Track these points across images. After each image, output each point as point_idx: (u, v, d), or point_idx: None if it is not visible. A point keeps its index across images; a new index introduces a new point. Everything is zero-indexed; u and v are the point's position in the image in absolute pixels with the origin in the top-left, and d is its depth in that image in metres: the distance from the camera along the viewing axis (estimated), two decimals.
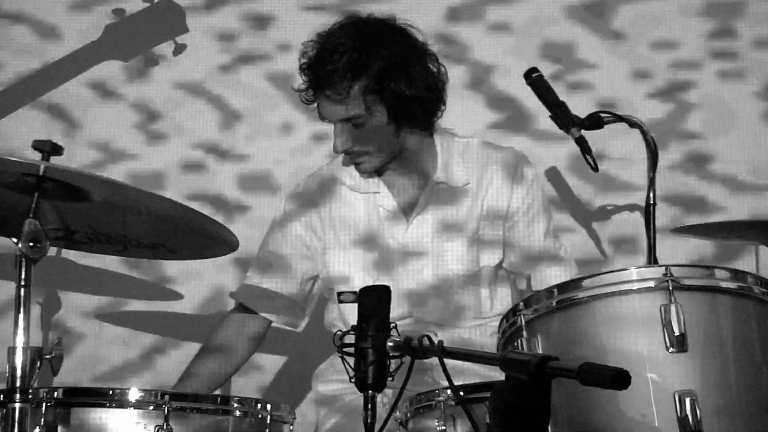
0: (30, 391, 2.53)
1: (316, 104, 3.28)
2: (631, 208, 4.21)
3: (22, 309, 2.54)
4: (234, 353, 3.42)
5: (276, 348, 4.11)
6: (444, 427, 2.70)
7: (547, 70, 3.40)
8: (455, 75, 3.67)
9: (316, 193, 3.44)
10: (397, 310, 2.93)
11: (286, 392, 4.13)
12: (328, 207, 3.41)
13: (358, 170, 3.36)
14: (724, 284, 2.58)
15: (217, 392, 3.45)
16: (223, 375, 3.40)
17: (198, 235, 2.81)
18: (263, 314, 3.44)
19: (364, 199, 3.39)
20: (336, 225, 3.40)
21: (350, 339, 2.43)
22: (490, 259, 3.36)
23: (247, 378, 4.11)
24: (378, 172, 3.37)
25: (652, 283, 2.54)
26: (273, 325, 3.47)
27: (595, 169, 3.16)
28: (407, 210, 3.38)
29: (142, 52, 4.29)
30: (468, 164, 3.39)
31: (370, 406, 2.43)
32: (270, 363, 4.19)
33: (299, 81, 3.28)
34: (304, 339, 3.73)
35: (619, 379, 2.01)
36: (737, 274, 2.60)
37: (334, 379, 3.36)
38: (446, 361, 2.35)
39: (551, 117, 3.20)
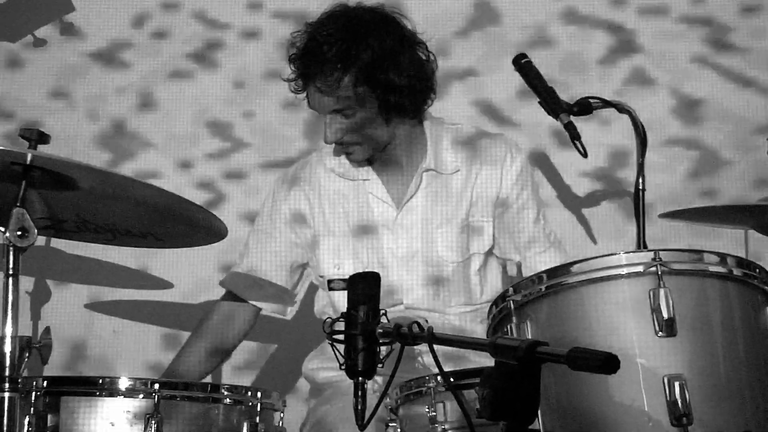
0: (19, 380, 2.53)
1: (305, 93, 3.28)
2: (620, 194, 4.22)
3: (10, 298, 2.54)
4: (223, 341, 3.42)
5: (266, 336, 4.11)
6: (434, 413, 2.70)
7: None
8: None
9: (306, 181, 3.44)
10: (387, 297, 2.92)
11: (276, 380, 4.13)
12: (317, 194, 3.41)
13: (349, 160, 3.36)
14: (712, 268, 2.58)
15: (207, 380, 3.45)
16: (212, 363, 3.41)
17: (186, 224, 2.80)
18: (252, 302, 3.44)
19: (354, 187, 3.39)
20: (326, 212, 3.39)
21: (340, 326, 2.43)
22: (480, 245, 3.36)
23: (238, 366, 4.11)
24: (368, 161, 3.37)
25: (641, 268, 2.54)
26: (262, 313, 3.47)
27: (584, 154, 3.15)
28: (397, 197, 3.37)
29: (29, 32, 4.25)
30: (458, 151, 3.39)
31: (360, 393, 2.43)
32: (260, 351, 4.19)
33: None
34: (294, 327, 3.73)
35: (608, 363, 2.01)
36: (726, 259, 2.60)
37: (325, 367, 3.36)
38: (437, 347, 2.35)
39: (540, 103, 3.19)
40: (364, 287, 2.44)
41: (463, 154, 3.38)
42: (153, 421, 2.64)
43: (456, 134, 3.41)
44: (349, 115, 3.24)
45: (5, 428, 2.51)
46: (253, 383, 4.15)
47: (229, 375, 4.06)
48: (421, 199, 3.36)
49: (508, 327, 2.61)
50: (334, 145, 3.34)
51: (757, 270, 2.63)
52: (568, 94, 3.16)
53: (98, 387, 2.70)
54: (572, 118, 3.13)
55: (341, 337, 2.42)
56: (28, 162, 2.55)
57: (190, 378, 3.28)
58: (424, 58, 3.29)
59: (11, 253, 2.55)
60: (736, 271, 2.60)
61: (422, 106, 3.33)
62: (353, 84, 3.19)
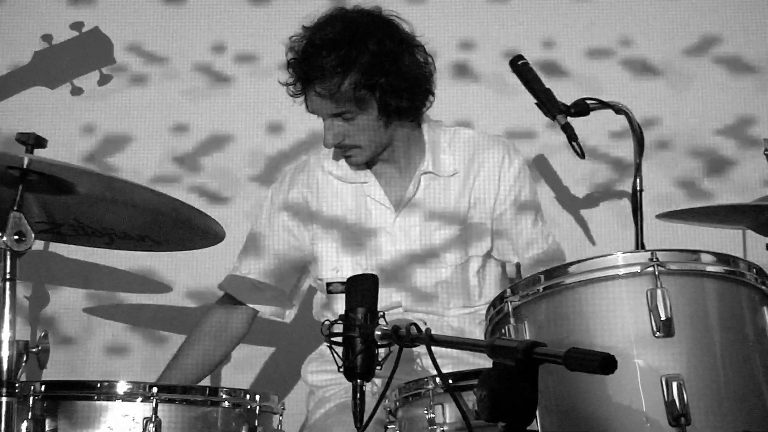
0: (17, 384, 2.53)
1: (303, 97, 3.28)
2: (618, 194, 4.22)
3: (7, 302, 2.54)
4: (220, 344, 3.42)
5: (265, 339, 4.11)
6: (433, 415, 2.70)
7: None
8: None
9: (304, 183, 3.44)
10: (385, 299, 2.93)
11: (275, 383, 4.13)
12: (315, 197, 3.41)
13: (348, 163, 3.36)
14: (710, 268, 2.59)
15: (206, 383, 3.45)
16: (208, 365, 3.41)
17: (184, 227, 2.80)
18: (251, 305, 3.44)
19: (353, 189, 3.39)
20: (324, 215, 3.39)
21: (338, 328, 2.43)
22: (478, 248, 3.36)
23: (236, 369, 4.11)
24: (367, 164, 3.37)
25: (638, 268, 2.55)
26: (262, 316, 3.47)
27: (582, 155, 3.15)
28: (396, 200, 3.38)
29: (68, 80, 4.27)
30: (456, 154, 3.39)
31: (358, 395, 2.43)
32: (259, 354, 4.19)
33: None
34: (293, 329, 3.73)
35: (606, 363, 2.01)
36: (723, 258, 2.60)
37: (323, 369, 3.36)
38: (436, 349, 2.35)
39: (537, 104, 3.20)
40: (363, 289, 2.45)
41: (462, 157, 3.39)
42: (151, 425, 2.63)
43: (454, 137, 3.41)
44: (349, 118, 3.24)
45: None
46: (251, 386, 4.15)
47: (227, 378, 4.06)
48: (419, 201, 3.36)
49: (506, 328, 2.61)
50: (333, 148, 3.34)
51: (755, 270, 2.63)
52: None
53: (96, 391, 2.70)
54: (569, 119, 3.14)
55: (340, 339, 2.42)
56: (25, 166, 2.55)
57: (187, 381, 3.28)
58: (422, 60, 3.30)
59: (8, 257, 2.54)
60: (734, 271, 2.60)
61: (421, 108, 3.33)
62: (353, 88, 3.19)
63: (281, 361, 4.20)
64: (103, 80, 4.25)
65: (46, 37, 4.23)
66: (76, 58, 4.26)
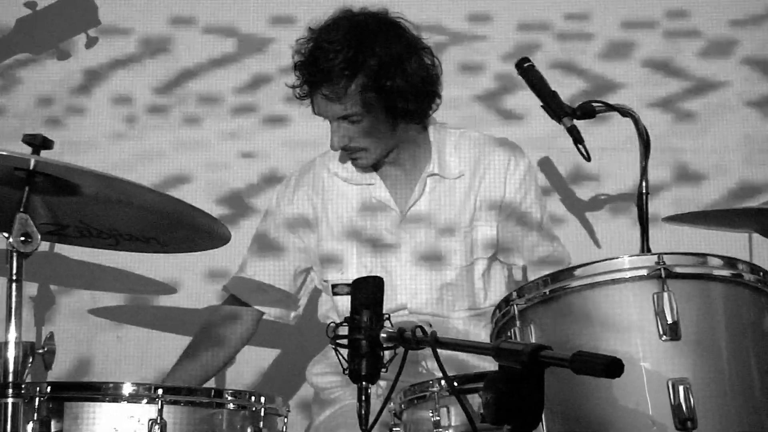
0: (23, 386, 2.53)
1: (309, 99, 3.28)
2: (624, 197, 4.21)
3: (13, 303, 2.54)
4: (225, 345, 3.42)
5: (270, 341, 4.11)
6: (438, 418, 2.70)
7: None
8: None
9: (309, 185, 3.44)
10: (391, 301, 2.93)
11: (280, 385, 4.13)
12: (321, 199, 3.41)
13: (354, 165, 3.37)
14: (716, 272, 2.58)
15: (211, 385, 3.45)
16: (213, 367, 3.41)
17: (189, 228, 2.80)
18: (256, 306, 3.44)
19: (359, 191, 3.39)
20: (330, 217, 3.39)
21: (344, 331, 2.43)
22: (484, 250, 3.36)
23: (241, 371, 4.11)
24: (373, 166, 3.37)
25: (644, 272, 2.54)
26: (267, 318, 3.47)
27: (588, 158, 3.15)
28: (402, 202, 3.38)
29: (54, 46, 4.25)
30: (462, 156, 3.39)
31: (363, 397, 2.43)
32: (264, 356, 4.19)
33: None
34: (298, 331, 3.73)
35: (612, 367, 2.01)
36: (730, 262, 2.60)
37: (329, 372, 3.36)
38: (441, 351, 2.35)
39: (543, 107, 3.19)
40: (368, 292, 2.44)
41: (467, 159, 3.39)
42: (156, 426, 2.63)
43: (460, 139, 3.41)
44: (356, 121, 3.24)
45: None
46: (256, 388, 4.15)
47: (232, 380, 4.06)
48: (425, 203, 3.36)
49: (512, 331, 2.61)
50: (339, 150, 3.34)
51: (762, 273, 2.62)
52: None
53: (102, 392, 2.69)
54: (575, 122, 3.13)
55: (345, 341, 2.42)
56: (31, 167, 2.55)
57: (192, 382, 3.28)
58: (429, 63, 3.30)
59: (14, 258, 2.55)
60: (741, 275, 2.60)
61: (427, 111, 3.33)
62: (360, 91, 3.20)
63: (286, 363, 4.20)
64: (90, 43, 4.23)
65: (30, 4, 4.21)
66: (60, 22, 4.24)
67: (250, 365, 4.17)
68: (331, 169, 3.42)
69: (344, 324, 2.43)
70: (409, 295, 3.33)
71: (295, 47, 3.27)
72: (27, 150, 2.61)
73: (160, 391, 2.66)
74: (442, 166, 3.37)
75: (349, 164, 3.39)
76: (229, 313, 3.46)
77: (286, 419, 2.85)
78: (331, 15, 3.28)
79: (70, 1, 4.21)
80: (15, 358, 2.53)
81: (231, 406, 2.75)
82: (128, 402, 2.67)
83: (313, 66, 3.21)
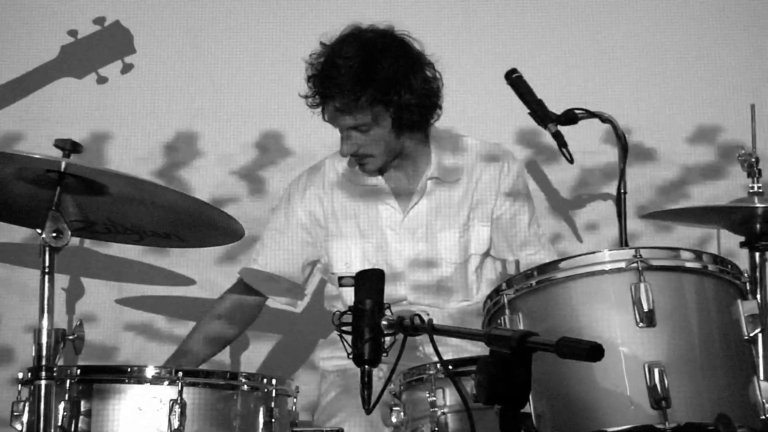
0: (54, 369, 2.54)
1: (321, 108, 3.28)
2: (604, 196, 4.21)
3: (46, 294, 2.55)
4: (230, 327, 3.42)
5: (277, 326, 4.11)
6: (434, 398, 2.70)
7: None
8: None
9: (319, 185, 3.44)
10: (391, 292, 2.92)
11: (287, 367, 4.12)
12: (330, 198, 3.42)
13: (362, 170, 3.37)
14: (688, 264, 2.59)
15: (226, 369, 3.44)
16: (218, 346, 3.41)
17: (206, 225, 2.80)
18: (269, 296, 3.45)
19: (364, 192, 3.40)
20: (337, 215, 3.40)
21: (348, 318, 2.43)
22: (478, 247, 3.37)
23: (254, 355, 4.11)
24: (379, 170, 3.38)
25: (623, 264, 2.55)
26: (274, 306, 3.47)
27: (571, 161, 3.15)
28: (403, 203, 3.38)
29: (94, 71, 4.25)
30: (459, 161, 3.40)
31: (366, 379, 2.43)
32: (273, 340, 4.18)
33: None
34: (305, 318, 3.72)
35: (593, 352, 2.02)
36: (700, 255, 2.61)
37: (334, 356, 3.36)
38: (437, 338, 2.35)
39: (530, 114, 3.19)
40: (371, 283, 2.44)
41: (465, 164, 3.40)
42: (177, 406, 2.63)
43: (458, 145, 3.42)
44: (365, 130, 3.25)
45: (42, 413, 2.51)
46: (268, 371, 4.14)
47: (245, 363, 4.05)
48: (425, 204, 3.37)
49: (502, 319, 2.61)
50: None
51: (729, 266, 2.63)
52: None
53: (127, 375, 2.70)
54: (559, 127, 3.13)
55: (349, 328, 2.42)
56: (62, 169, 2.56)
57: (200, 355, 3.29)
58: (431, 76, 3.31)
59: (47, 252, 2.55)
60: (711, 267, 2.61)
61: (430, 120, 3.34)
62: (369, 104, 3.20)
63: (294, 347, 4.19)
64: (126, 69, 4.23)
65: (72, 32, 4.21)
66: (99, 50, 4.24)
67: (261, 349, 4.16)
68: (339, 171, 3.43)
69: (348, 312, 2.43)
70: (409, 287, 3.34)
71: (308, 60, 3.28)
72: (58, 153, 2.61)
73: (180, 374, 2.67)
74: (441, 170, 3.38)
75: (356, 166, 3.39)
76: (236, 299, 3.46)
77: (295, 400, 2.85)
78: (342, 32, 3.28)
79: (107, 30, 4.22)
80: (47, 343, 2.53)
81: (245, 387, 2.75)
82: (151, 384, 2.68)
83: (326, 81, 3.22)
